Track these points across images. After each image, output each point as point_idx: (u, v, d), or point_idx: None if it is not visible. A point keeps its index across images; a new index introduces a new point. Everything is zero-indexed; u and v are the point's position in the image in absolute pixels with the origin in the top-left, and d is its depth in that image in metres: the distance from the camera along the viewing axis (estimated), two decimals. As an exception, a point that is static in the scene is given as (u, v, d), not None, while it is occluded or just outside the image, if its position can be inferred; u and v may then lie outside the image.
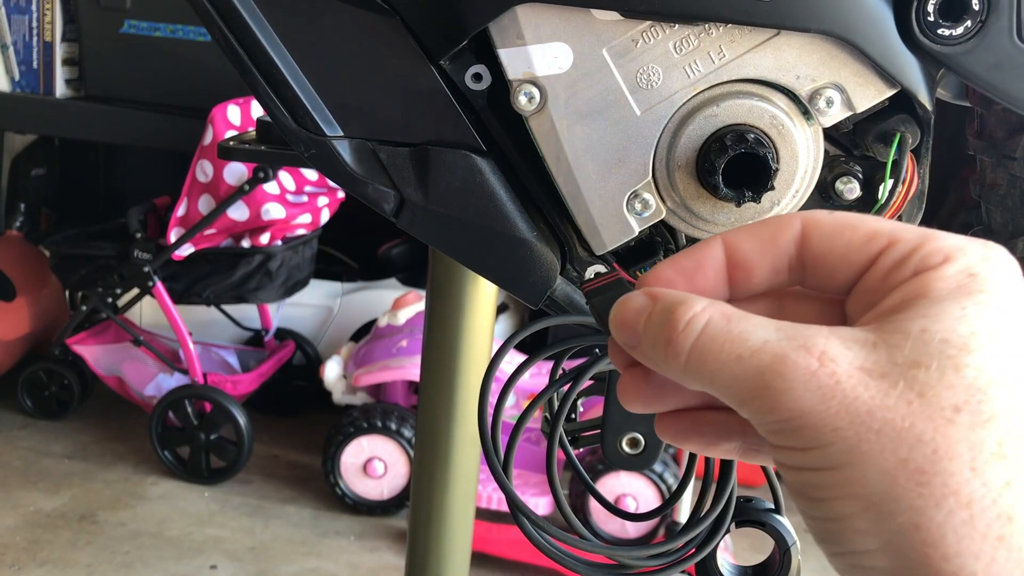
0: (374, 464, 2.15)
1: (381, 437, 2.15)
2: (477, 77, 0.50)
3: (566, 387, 0.70)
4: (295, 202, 2.19)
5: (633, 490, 2.09)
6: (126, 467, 2.29)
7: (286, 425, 2.55)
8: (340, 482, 2.17)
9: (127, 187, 3.09)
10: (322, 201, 2.27)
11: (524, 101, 0.47)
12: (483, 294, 0.96)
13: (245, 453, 2.23)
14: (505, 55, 0.47)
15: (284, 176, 2.20)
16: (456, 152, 0.50)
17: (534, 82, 0.47)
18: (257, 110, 2.25)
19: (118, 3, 2.41)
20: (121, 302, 2.31)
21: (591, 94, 0.47)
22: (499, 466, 0.57)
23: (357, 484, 2.18)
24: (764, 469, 0.56)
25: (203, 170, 2.15)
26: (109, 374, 2.34)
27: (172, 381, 2.34)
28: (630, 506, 2.10)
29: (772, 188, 0.46)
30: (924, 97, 0.47)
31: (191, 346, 2.23)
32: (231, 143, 0.91)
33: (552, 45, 0.46)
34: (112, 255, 2.24)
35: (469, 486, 1.08)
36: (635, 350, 0.34)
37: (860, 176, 0.51)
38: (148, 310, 2.51)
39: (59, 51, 2.51)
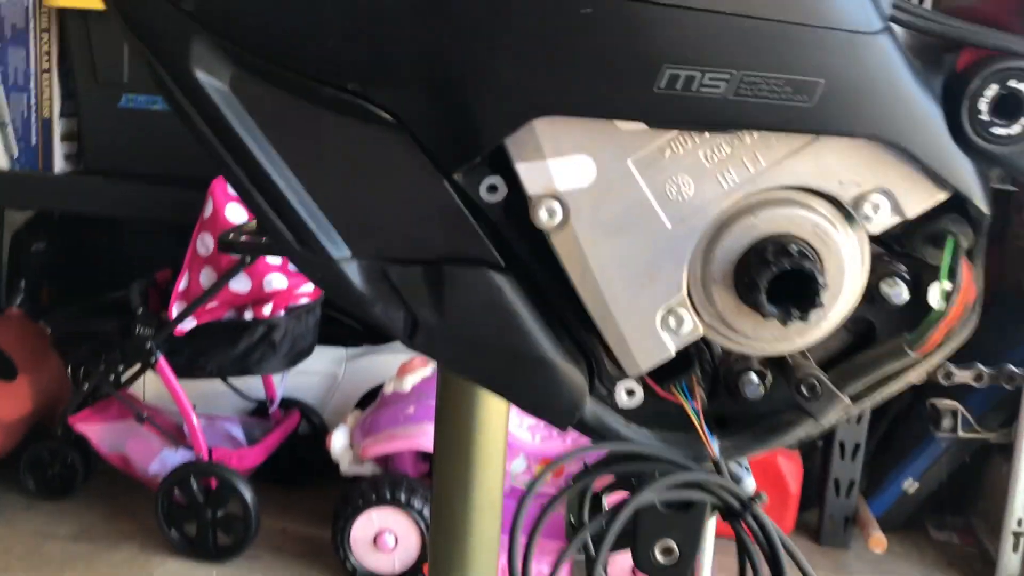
0: (385, 537, 2.10)
1: (391, 509, 2.09)
2: (492, 189, 0.46)
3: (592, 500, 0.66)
4: (297, 271, 2.16)
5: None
6: (132, 547, 2.23)
7: (294, 497, 2.49)
8: (350, 556, 2.11)
9: (129, 260, 3.06)
10: (325, 269, 2.24)
11: (545, 217, 0.44)
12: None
13: (253, 529, 2.17)
14: (524, 170, 0.43)
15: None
16: (473, 269, 0.46)
17: (556, 197, 0.44)
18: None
19: (116, 77, 2.40)
20: (124, 377, 2.27)
21: (617, 208, 0.43)
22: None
23: (368, 558, 2.12)
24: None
25: (204, 243, 2.12)
26: (113, 452, 2.29)
27: (177, 457, 2.29)
28: None
29: (821, 305, 0.43)
30: (979, 200, 0.43)
31: (195, 421, 2.18)
32: (232, 236, 0.87)
33: (574, 158, 0.42)
34: (114, 331, 2.20)
35: (490, 561, 1.03)
36: None
37: (906, 277, 0.47)
38: (152, 385, 2.47)
39: (58, 127, 2.50)
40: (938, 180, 0.43)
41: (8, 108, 2.51)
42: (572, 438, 2.23)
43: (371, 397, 2.47)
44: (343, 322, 2.73)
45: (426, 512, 2.08)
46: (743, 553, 0.54)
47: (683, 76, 0.40)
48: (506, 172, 0.46)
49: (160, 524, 2.18)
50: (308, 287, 2.17)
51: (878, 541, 2.21)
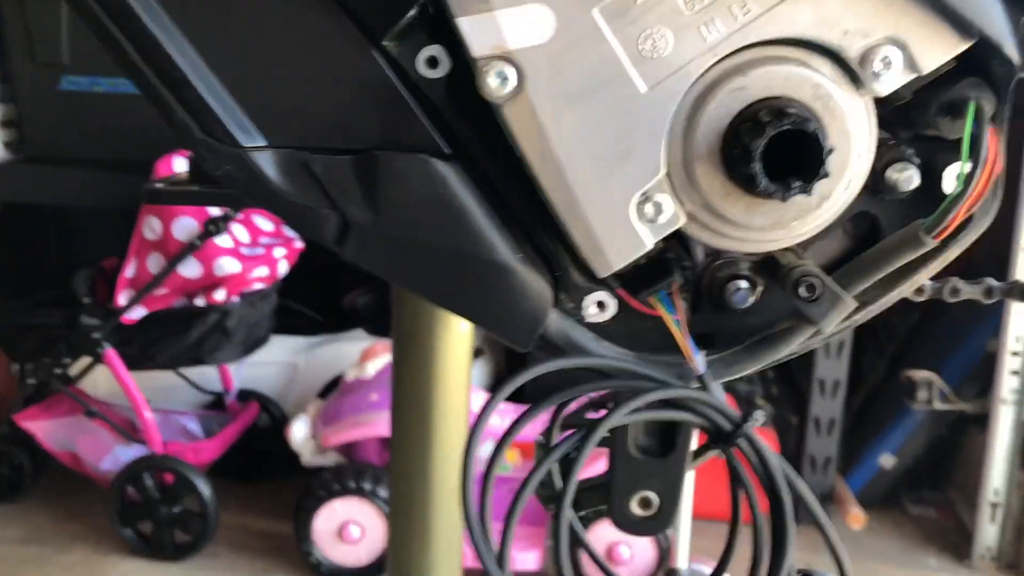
0: (349, 528, 2.01)
1: (355, 499, 2.01)
2: (432, 62, 0.39)
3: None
4: (250, 255, 2.07)
5: (627, 537, 1.96)
6: (85, 548, 2.14)
7: (254, 491, 2.40)
8: (314, 550, 2.03)
9: (77, 251, 2.95)
10: (279, 252, 2.15)
11: (495, 84, 0.36)
12: (456, 338, 0.84)
13: (211, 525, 2.08)
14: (467, 25, 0.36)
15: (237, 228, 2.08)
16: (411, 157, 0.39)
17: (507, 58, 0.36)
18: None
19: (55, 58, 2.30)
20: (73, 372, 2.17)
21: (581, 69, 0.36)
22: (486, 546, 0.46)
23: (332, 551, 2.03)
24: (825, 535, 0.45)
25: (150, 227, 2.02)
26: (62, 450, 2.18)
27: (130, 453, 2.19)
28: (624, 555, 1.98)
29: (827, 175, 0.36)
30: (1010, 47, 0.36)
31: (148, 414, 2.09)
32: (159, 186, 0.79)
33: (527, 7, 0.35)
34: (59, 323, 2.10)
35: (452, 549, 0.96)
36: None
37: (915, 161, 0.41)
38: (104, 379, 2.37)
39: (-6, 112, 2.40)
40: (961, 25, 0.36)
41: (-57, 95, 2.40)
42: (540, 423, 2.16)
43: (333, 387, 2.39)
44: (302, 312, 2.65)
45: (392, 501, 2.00)
46: (735, 483, 0.47)
47: None
48: (448, 41, 0.39)
49: (114, 523, 2.09)
50: (262, 271, 2.09)
51: (856, 518, 2.16)
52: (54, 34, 2.28)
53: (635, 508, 0.65)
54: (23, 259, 2.90)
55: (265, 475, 2.45)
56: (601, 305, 0.42)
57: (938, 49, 0.36)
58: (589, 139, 0.37)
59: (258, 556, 2.14)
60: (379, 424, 2.02)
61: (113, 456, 2.20)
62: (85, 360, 2.15)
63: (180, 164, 2.05)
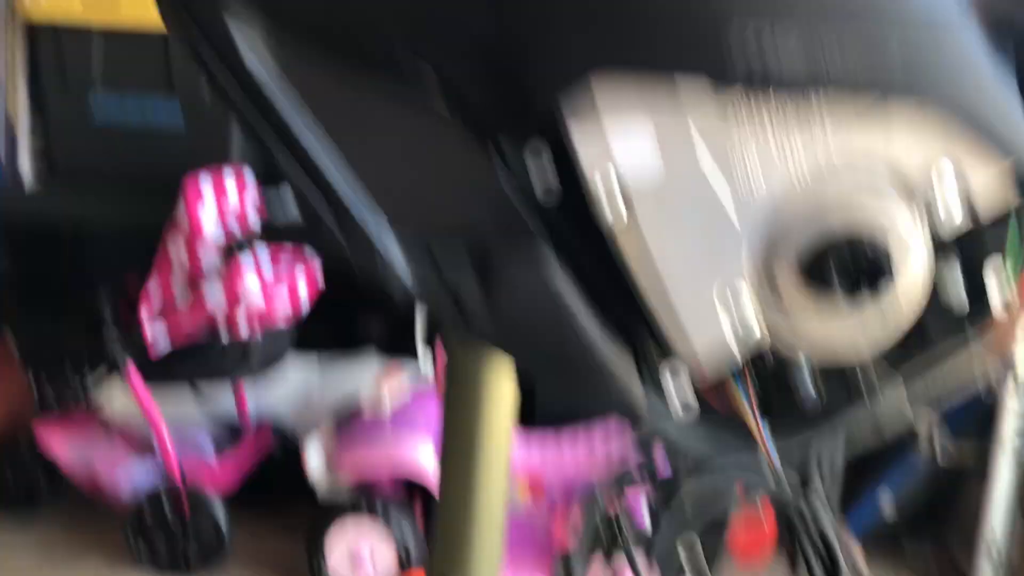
0: (361, 552, 2.05)
1: (368, 524, 2.05)
2: (549, 193, 0.44)
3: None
4: (273, 282, 2.12)
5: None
6: (98, 563, 2.17)
7: (266, 513, 2.43)
8: (326, 573, 2.06)
9: (95, 268, 3.00)
10: (301, 288, 2.19)
11: (610, 215, 0.41)
12: (503, 385, 0.88)
13: (225, 546, 2.12)
14: (579, 135, 0.41)
15: (263, 259, 2.12)
16: (519, 246, 0.44)
17: (621, 192, 0.41)
18: (231, 182, 2.19)
19: (84, 79, 2.35)
20: (91, 387, 2.21)
21: (679, 186, 0.41)
22: None
23: (344, 572, 2.07)
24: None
25: (175, 246, 2.07)
26: (79, 465, 2.22)
27: (145, 468, 2.23)
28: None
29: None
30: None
31: (165, 433, 2.12)
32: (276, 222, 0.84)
33: (633, 120, 0.40)
34: (81, 336, 2.14)
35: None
36: None
37: (958, 267, 0.45)
38: (120, 394, 2.40)
39: (25, 141, 2.45)
40: (1006, 147, 0.41)
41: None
42: (550, 455, 2.20)
43: (346, 405, 2.43)
44: (314, 329, 2.68)
45: (404, 526, 2.04)
46: (795, 543, 0.52)
47: (752, 27, 0.38)
48: (560, 160, 0.43)
49: (128, 540, 2.12)
50: (285, 309, 2.12)
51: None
52: (86, 67, 2.33)
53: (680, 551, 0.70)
54: (41, 272, 2.94)
55: (277, 496, 2.47)
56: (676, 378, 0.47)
57: (988, 170, 0.41)
58: (683, 243, 0.42)
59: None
60: (394, 453, 2.06)
61: (128, 472, 2.24)
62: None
63: (205, 184, 2.10)
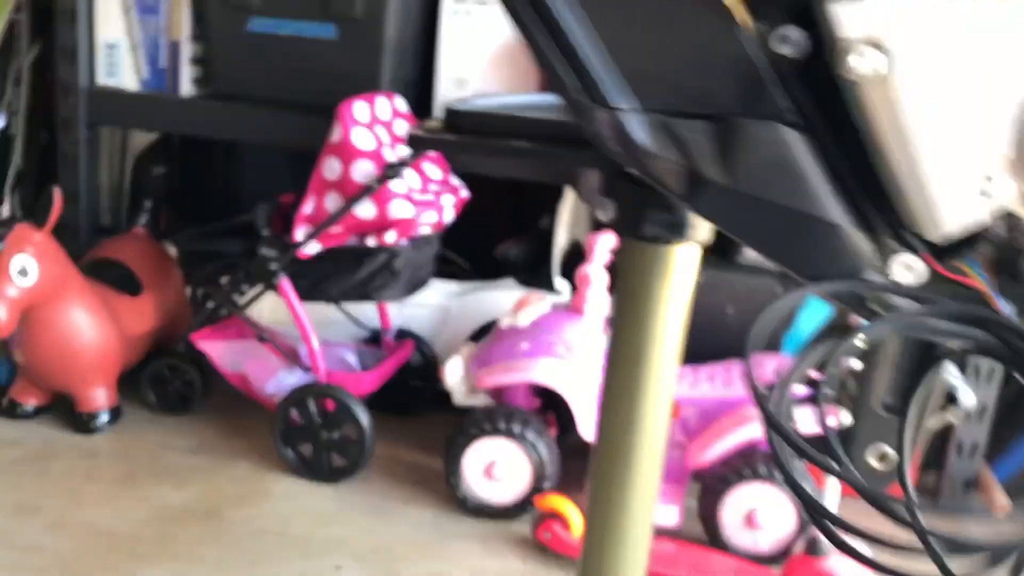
0: (496, 468, 2.11)
1: (504, 440, 2.10)
2: (788, 40, 0.44)
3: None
4: (421, 200, 2.17)
5: (767, 503, 2.00)
6: (248, 464, 2.29)
7: (405, 425, 2.52)
8: (462, 485, 2.13)
9: (245, 186, 3.12)
10: (447, 200, 2.24)
11: (861, 65, 0.41)
12: (676, 300, 0.89)
13: (367, 452, 2.21)
14: (842, 10, 0.41)
15: (410, 174, 2.17)
16: (764, 124, 0.44)
17: (876, 44, 0.41)
18: (383, 108, 2.24)
19: (245, 1, 2.42)
20: (245, 299, 2.32)
21: (946, 59, 0.41)
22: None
23: (479, 487, 2.13)
24: None
25: (331, 167, 2.13)
26: (233, 370, 2.34)
27: (293, 379, 2.33)
28: (763, 520, 2.01)
29: None
30: None
31: (315, 343, 2.21)
32: (421, 132, 0.87)
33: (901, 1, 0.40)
34: (238, 252, 2.24)
35: (648, 502, 1.02)
36: None
37: None
38: (268, 308, 2.52)
39: (186, 50, 2.54)
40: None
41: (138, 30, 2.55)
42: (686, 383, 2.21)
43: (481, 332, 2.49)
44: (455, 260, 2.75)
45: (539, 445, 2.08)
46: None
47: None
48: (806, 23, 0.44)
49: (276, 443, 2.23)
50: (431, 217, 2.18)
51: (1001, 506, 2.15)
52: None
53: (872, 461, 0.70)
54: (196, 191, 3.08)
55: (414, 410, 2.57)
56: (908, 267, 0.47)
57: None
58: (947, 123, 0.41)
59: (407, 485, 2.26)
60: (530, 371, 2.10)
61: (277, 380, 2.35)
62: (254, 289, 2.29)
63: (361, 109, 2.15)
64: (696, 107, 0.45)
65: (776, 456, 0.68)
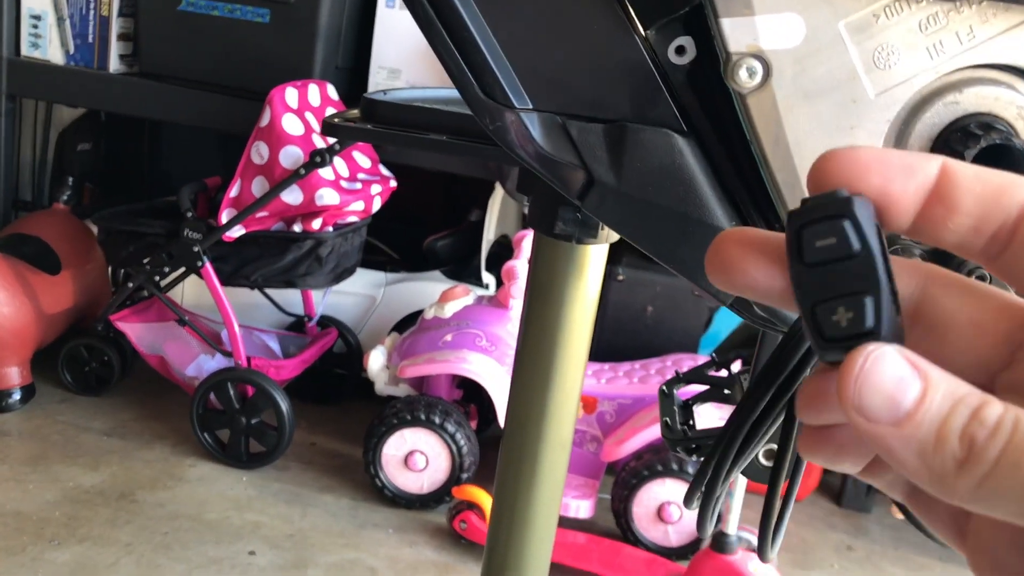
0: (415, 457, 2.12)
1: (424, 430, 2.11)
2: (680, 50, 0.46)
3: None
4: (349, 189, 2.16)
5: (678, 498, 2.04)
6: (164, 447, 2.27)
7: (324, 413, 2.52)
8: (380, 474, 2.13)
9: (170, 167, 3.07)
10: (375, 189, 2.24)
11: (744, 76, 0.43)
12: (585, 297, 0.91)
13: (285, 439, 2.20)
14: (728, 25, 0.43)
15: (338, 162, 2.17)
16: (655, 130, 0.46)
17: (758, 56, 0.43)
18: (314, 94, 2.22)
19: (176, -21, 2.38)
20: (166, 280, 2.29)
21: (821, 72, 0.43)
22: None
23: (397, 477, 2.14)
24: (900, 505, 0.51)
25: (259, 152, 2.12)
26: (151, 352, 2.31)
27: (214, 363, 2.31)
28: (674, 515, 2.06)
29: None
30: None
31: (236, 328, 2.20)
32: (336, 120, 0.87)
33: (784, 16, 0.42)
34: (161, 233, 2.21)
35: (555, 492, 1.03)
36: (874, 430, 0.25)
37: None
38: (190, 291, 2.49)
39: (115, 26, 2.49)
40: None
41: (67, 3, 2.50)
42: (605, 378, 2.24)
43: (406, 323, 2.49)
44: (383, 250, 2.75)
45: (458, 436, 2.10)
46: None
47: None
48: (697, 35, 0.45)
49: (194, 427, 2.21)
50: (358, 206, 2.17)
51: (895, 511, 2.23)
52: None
53: (762, 459, 0.73)
54: (120, 169, 3.02)
55: (336, 398, 2.56)
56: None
57: None
58: (818, 131, 0.44)
59: (326, 473, 2.25)
60: (452, 362, 2.11)
61: (197, 364, 2.32)
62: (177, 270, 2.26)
63: (291, 95, 2.14)
64: (590, 111, 0.47)
65: (672, 447, 0.71)
